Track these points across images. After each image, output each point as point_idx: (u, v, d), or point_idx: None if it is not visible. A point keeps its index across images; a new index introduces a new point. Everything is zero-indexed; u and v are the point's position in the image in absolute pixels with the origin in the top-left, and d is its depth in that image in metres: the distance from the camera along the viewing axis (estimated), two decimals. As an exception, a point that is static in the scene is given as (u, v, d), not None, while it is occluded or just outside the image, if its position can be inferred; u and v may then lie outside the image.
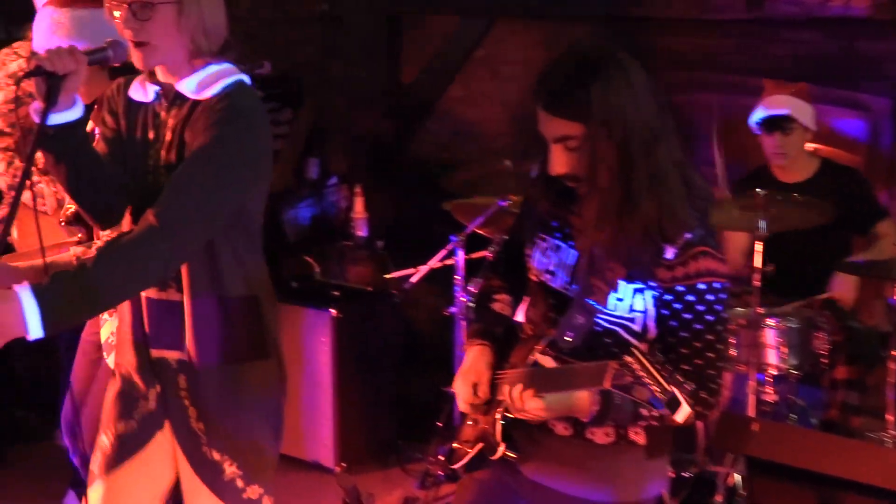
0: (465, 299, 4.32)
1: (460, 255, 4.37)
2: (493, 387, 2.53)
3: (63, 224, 3.16)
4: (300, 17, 6.59)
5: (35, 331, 2.11)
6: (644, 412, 2.27)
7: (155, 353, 2.54)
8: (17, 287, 2.12)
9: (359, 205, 5.70)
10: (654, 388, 2.08)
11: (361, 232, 5.67)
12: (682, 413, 2.08)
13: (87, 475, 2.66)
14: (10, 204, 2.21)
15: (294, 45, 6.58)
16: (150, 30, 2.35)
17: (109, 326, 3.16)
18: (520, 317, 2.64)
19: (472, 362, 2.57)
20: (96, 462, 2.62)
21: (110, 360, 3.11)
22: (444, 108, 6.16)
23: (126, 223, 2.55)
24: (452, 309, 4.42)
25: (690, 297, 2.29)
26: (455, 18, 5.99)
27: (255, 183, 2.46)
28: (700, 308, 2.29)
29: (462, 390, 2.55)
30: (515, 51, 5.86)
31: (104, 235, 2.99)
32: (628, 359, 2.11)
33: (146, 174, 2.48)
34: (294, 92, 6.45)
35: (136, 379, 2.58)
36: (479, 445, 2.54)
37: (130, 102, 2.53)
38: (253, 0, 6.72)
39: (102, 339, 3.23)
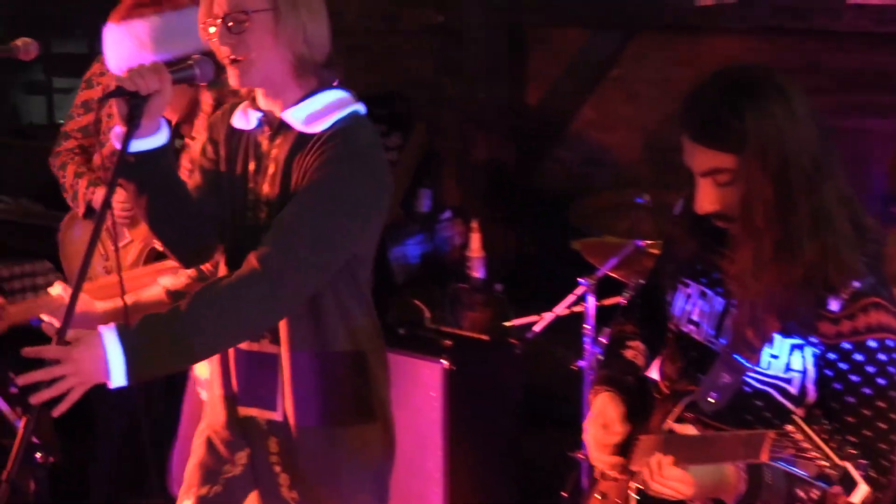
0: (595, 351, 4.30)
1: (590, 302, 4.35)
2: (626, 449, 2.52)
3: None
4: (412, 30, 6.70)
5: (118, 379, 2.17)
6: (801, 493, 2.20)
7: (243, 411, 2.59)
8: (102, 329, 2.17)
9: (475, 242, 5.73)
10: (822, 462, 2.02)
11: (478, 273, 5.68)
12: (860, 493, 2.00)
13: None
14: (91, 237, 2.23)
15: (405, 61, 6.68)
16: (248, 42, 2.40)
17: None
18: (654, 373, 2.62)
19: (600, 410, 2.55)
20: None
21: (204, 395, 3.18)
22: (574, 133, 6.17)
23: (219, 264, 2.61)
24: (581, 362, 4.40)
25: (859, 357, 2.25)
26: (587, 32, 6.01)
27: (371, 226, 2.51)
28: (870, 369, 2.24)
29: (593, 434, 2.53)
30: (655, 69, 5.85)
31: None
32: (789, 427, 2.07)
33: (244, 210, 2.53)
34: (404, 113, 6.54)
35: (222, 440, 2.63)
36: (609, 521, 2.52)
37: (232, 130, 2.60)
38: (360, 10, 6.86)
39: (196, 373, 3.32)
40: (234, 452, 2.61)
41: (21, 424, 3.48)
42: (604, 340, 4.18)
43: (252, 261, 2.32)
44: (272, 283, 2.30)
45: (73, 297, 2.13)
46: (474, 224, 5.75)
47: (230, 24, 2.40)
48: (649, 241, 4.16)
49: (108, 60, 3.28)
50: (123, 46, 3.20)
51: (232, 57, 2.43)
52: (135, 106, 2.33)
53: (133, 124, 2.32)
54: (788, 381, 2.32)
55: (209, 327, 2.27)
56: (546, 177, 6.23)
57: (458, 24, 6.34)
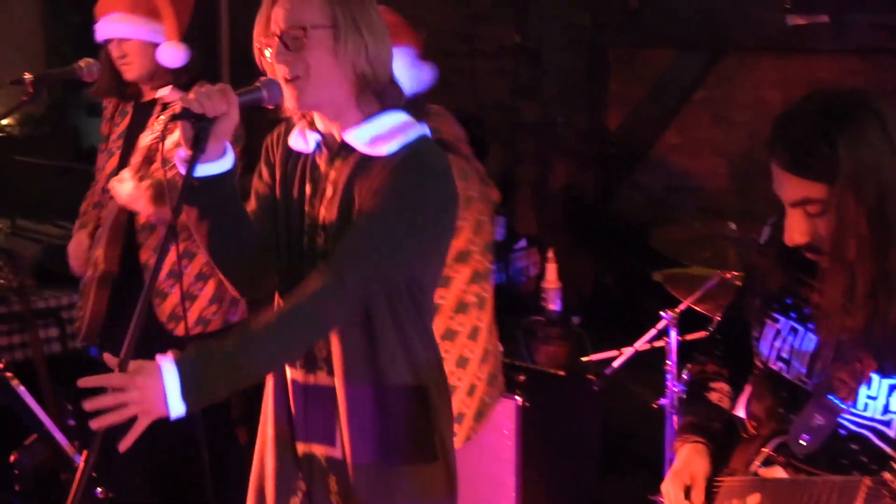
0: (677, 389, 4.26)
1: (673, 336, 4.31)
2: (710, 495, 2.49)
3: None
4: (488, 50, 6.73)
5: (176, 407, 2.18)
6: None
7: (302, 447, 2.57)
8: (160, 358, 2.20)
9: (551, 272, 5.71)
10: (921, 513, 1.99)
11: (554, 305, 5.67)
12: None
13: None
14: (151, 273, 2.25)
15: (480, 83, 6.71)
16: (306, 60, 2.40)
17: None
18: (740, 411, 2.59)
19: (685, 462, 2.53)
20: None
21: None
22: (657, 159, 6.14)
23: (275, 291, 2.62)
24: (663, 401, 4.36)
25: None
26: (671, 53, 6.00)
27: (437, 253, 2.51)
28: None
29: (673, 495, 2.51)
30: (744, 92, 5.81)
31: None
32: (887, 475, 2.03)
33: (301, 235, 2.54)
34: (478, 137, 6.55)
35: (279, 477, 2.62)
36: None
37: (289, 153, 2.60)
38: (433, 28, 6.90)
39: None
40: (291, 490, 2.60)
41: (81, 459, 3.55)
42: (687, 378, 4.14)
43: (320, 275, 2.34)
44: (338, 291, 2.32)
45: (134, 327, 2.15)
46: (550, 254, 5.73)
47: (288, 40, 2.40)
48: (735, 273, 4.12)
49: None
50: None
51: (290, 76, 2.43)
52: (201, 129, 2.34)
53: (199, 148, 2.34)
54: (887, 423, 2.28)
55: (265, 336, 2.29)
56: (626, 204, 6.21)
57: (536, 44, 6.36)
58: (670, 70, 6.01)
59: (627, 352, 4.36)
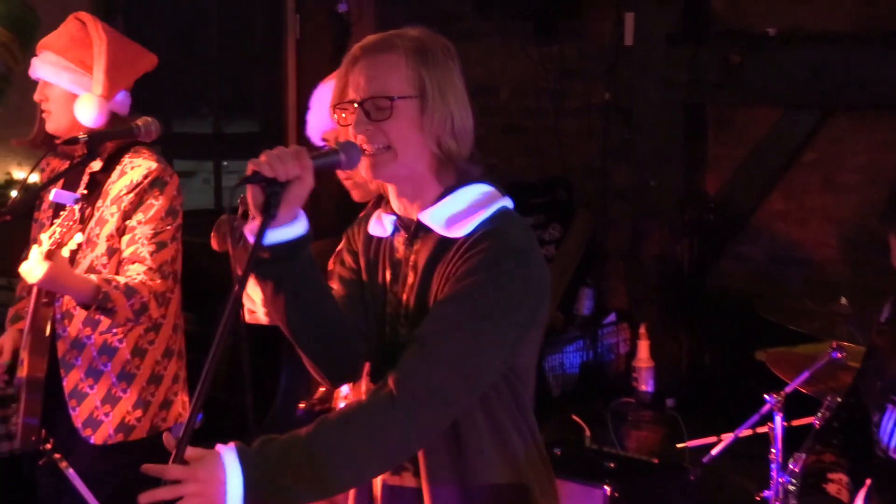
0: (783, 480, 4.20)
1: (778, 422, 4.25)
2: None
3: None
4: (575, 108, 6.75)
5: None
6: None
7: None
8: (221, 449, 2.19)
9: (643, 350, 5.69)
10: None
11: (646, 386, 5.64)
12: None
13: None
14: (213, 349, 2.18)
15: (567, 143, 6.73)
16: (388, 132, 2.39)
17: None
18: (858, 504, 2.55)
19: None
20: None
21: None
22: (760, 227, 6.10)
23: (364, 383, 2.61)
24: (766, 493, 4.29)
25: None
26: (777, 112, 5.98)
27: (527, 338, 2.46)
28: None
29: None
30: (856, 154, 5.77)
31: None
32: None
33: (383, 324, 2.53)
34: (565, 202, 6.57)
35: None
36: None
37: (370, 239, 2.61)
38: (517, 85, 6.96)
39: None
40: None
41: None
42: (793, 468, 4.08)
43: (388, 384, 2.30)
44: (407, 411, 2.27)
45: (193, 412, 2.14)
46: (642, 329, 5.71)
47: (370, 109, 2.40)
48: (847, 349, 4.07)
49: (311, 121, 3.30)
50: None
51: (371, 149, 2.42)
52: (272, 194, 2.31)
53: (269, 215, 2.30)
54: None
55: (340, 454, 2.25)
56: (726, 276, 6.16)
57: (628, 102, 6.37)
58: (775, 130, 5.98)
59: (727, 438, 4.31)
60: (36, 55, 3.82)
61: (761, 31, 5.94)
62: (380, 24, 7.59)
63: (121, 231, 3.67)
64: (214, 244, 2.99)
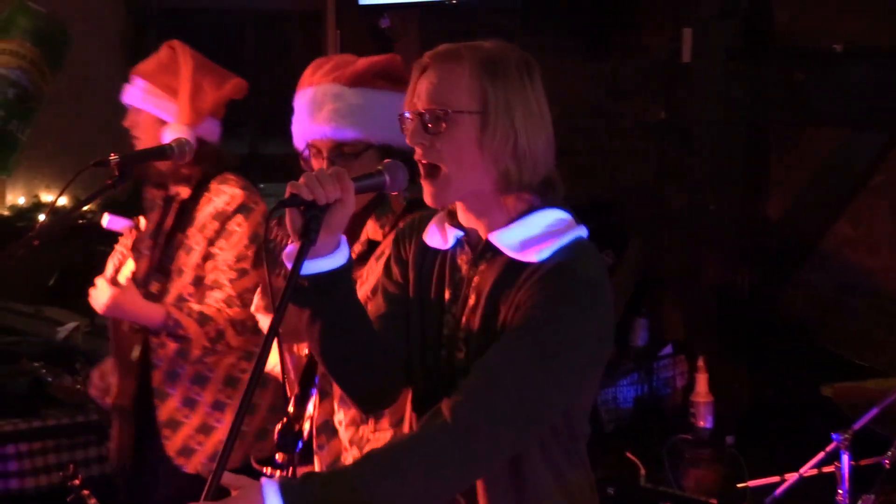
0: (851, 524, 4.17)
1: (845, 461, 4.22)
2: None
3: None
4: (628, 128, 6.75)
5: None
6: None
7: None
8: (264, 482, 2.19)
9: (702, 384, 5.66)
10: None
11: (704, 422, 5.61)
12: None
13: None
14: (248, 385, 2.18)
15: (619, 165, 6.73)
16: (443, 149, 2.39)
17: None
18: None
19: None
20: None
21: None
22: (825, 254, 6.07)
23: (404, 409, 2.61)
24: (833, 536, 4.27)
25: None
26: (843, 132, 5.95)
27: (591, 379, 2.47)
28: None
29: None
30: (929, 176, 5.74)
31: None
32: None
33: (438, 347, 2.51)
34: (618, 227, 6.56)
35: None
36: None
37: (425, 249, 2.59)
38: (567, 105, 6.95)
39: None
40: None
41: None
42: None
43: (443, 411, 2.28)
44: (465, 442, 2.26)
45: (229, 444, 2.15)
46: (700, 362, 5.69)
47: (428, 120, 2.40)
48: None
49: (295, 126, 3.27)
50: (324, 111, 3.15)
51: (425, 161, 2.42)
52: (312, 218, 2.31)
53: (308, 240, 2.29)
54: None
55: (388, 491, 2.23)
56: (790, 306, 6.13)
57: (685, 121, 6.36)
58: (841, 151, 5.95)
59: (791, 478, 4.28)
60: (129, 81, 3.91)
61: (826, 48, 5.92)
62: (423, 41, 7.63)
63: (206, 259, 3.75)
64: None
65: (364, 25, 7.71)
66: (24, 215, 7.11)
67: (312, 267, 2.37)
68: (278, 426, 3.12)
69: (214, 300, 3.69)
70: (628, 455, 5.30)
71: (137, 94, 3.85)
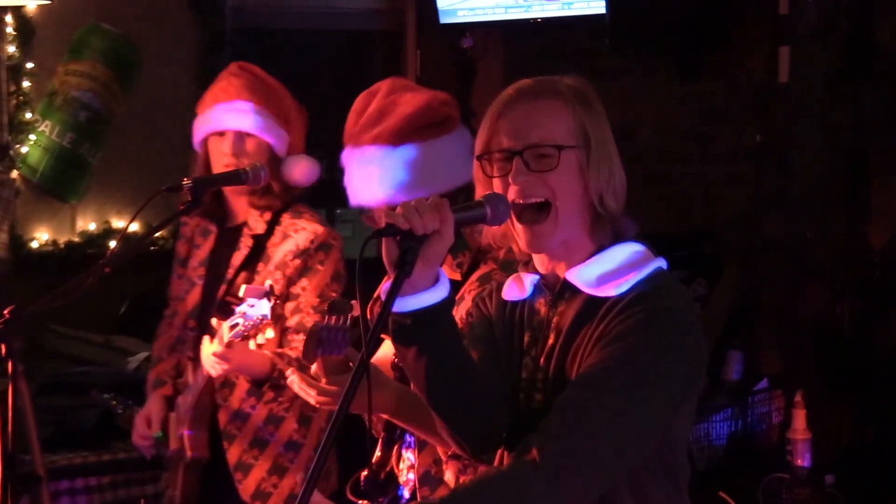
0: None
1: (953, 503, 4.19)
2: None
3: None
4: (723, 153, 6.73)
5: None
6: None
7: None
8: None
9: (799, 421, 5.61)
10: None
11: (802, 460, 5.55)
12: None
13: None
14: (327, 436, 2.18)
15: (713, 191, 6.70)
16: (552, 184, 2.40)
17: None
18: None
19: None
20: None
21: None
22: (934, 285, 6.01)
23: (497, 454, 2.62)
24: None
25: None
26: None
27: (682, 409, 2.46)
28: None
29: None
30: None
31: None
32: None
33: (517, 390, 2.54)
34: (711, 256, 6.53)
35: None
36: None
37: (504, 305, 2.63)
38: (656, 128, 6.95)
39: None
40: None
41: None
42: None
43: (531, 451, 2.31)
44: (552, 481, 2.28)
45: (310, 485, 2.18)
46: (798, 397, 5.64)
47: (531, 158, 2.41)
48: None
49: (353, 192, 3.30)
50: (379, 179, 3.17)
51: (527, 201, 2.43)
52: (408, 249, 2.31)
53: (404, 272, 2.30)
54: None
55: None
56: (893, 339, 6.07)
57: (783, 145, 6.33)
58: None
59: (895, 520, 4.25)
60: (201, 109, 3.91)
61: (931, 67, 5.88)
62: (508, 61, 7.66)
63: (284, 297, 3.76)
64: (301, 355, 3.06)
65: (446, 45, 7.75)
66: (94, 242, 7.18)
67: (414, 303, 2.38)
68: (364, 472, 3.15)
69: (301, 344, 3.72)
70: (722, 495, 5.28)
71: (250, 118, 3.84)
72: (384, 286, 2.38)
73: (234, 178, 3.73)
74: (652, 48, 6.71)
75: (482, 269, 3.09)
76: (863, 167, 6.22)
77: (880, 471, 5.38)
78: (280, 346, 3.78)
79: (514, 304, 2.59)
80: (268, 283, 3.49)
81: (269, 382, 3.69)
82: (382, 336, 2.68)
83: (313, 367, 2.93)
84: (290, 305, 3.78)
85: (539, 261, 2.53)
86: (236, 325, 3.47)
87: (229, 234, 3.92)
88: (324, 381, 2.81)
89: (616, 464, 2.35)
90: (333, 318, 2.91)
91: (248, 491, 3.82)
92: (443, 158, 3.09)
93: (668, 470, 2.47)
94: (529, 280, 2.54)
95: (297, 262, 3.78)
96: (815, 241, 6.16)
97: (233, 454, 3.85)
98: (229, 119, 3.84)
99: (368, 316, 2.88)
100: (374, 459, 3.17)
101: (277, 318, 3.77)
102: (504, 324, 2.60)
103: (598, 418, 2.32)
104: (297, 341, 3.72)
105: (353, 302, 3.52)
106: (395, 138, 3.10)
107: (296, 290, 3.78)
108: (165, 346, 4.14)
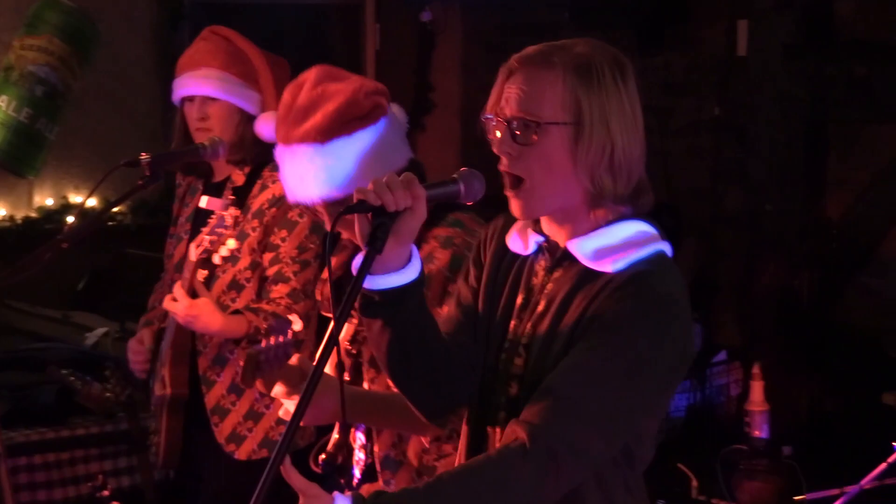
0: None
1: (909, 473, 4.24)
2: None
3: None
4: (682, 126, 6.76)
5: None
6: None
7: None
8: (337, 495, 2.24)
9: (757, 392, 5.66)
10: None
11: (760, 432, 5.61)
12: None
13: None
14: (305, 391, 2.21)
15: (673, 164, 6.73)
16: (530, 160, 2.37)
17: None
18: None
19: None
20: None
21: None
22: (888, 257, 6.06)
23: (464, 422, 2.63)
24: (896, 554, 4.28)
25: None
26: (909, 128, 5.95)
27: (665, 400, 2.49)
28: None
29: None
30: None
31: None
32: None
33: (498, 352, 2.53)
34: (670, 229, 6.55)
35: None
36: None
37: (504, 252, 2.59)
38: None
39: None
40: None
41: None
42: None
43: (518, 431, 2.31)
44: (541, 469, 2.28)
45: (279, 452, 2.19)
46: (756, 369, 5.69)
47: (517, 129, 2.38)
48: None
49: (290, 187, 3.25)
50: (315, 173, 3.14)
51: (510, 171, 2.41)
52: (379, 226, 2.30)
53: (375, 248, 2.29)
54: None
55: None
56: (851, 311, 6.13)
57: (742, 118, 6.37)
58: (906, 150, 5.96)
59: (851, 490, 4.29)
60: (176, 75, 3.98)
61: (891, 42, 5.92)
62: (467, 35, 7.67)
63: (262, 245, 3.85)
64: (240, 380, 3.13)
65: (405, 19, 7.75)
66: (52, 217, 7.15)
67: (383, 282, 2.38)
68: (322, 456, 3.18)
69: (280, 294, 3.79)
70: (680, 466, 5.33)
71: (216, 84, 3.92)
72: (356, 262, 2.37)
73: (192, 153, 3.82)
74: (611, 21, 6.72)
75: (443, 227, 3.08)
76: (821, 140, 6.27)
77: (837, 442, 5.44)
78: (260, 294, 3.84)
79: (515, 256, 2.56)
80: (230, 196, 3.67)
81: (246, 340, 3.74)
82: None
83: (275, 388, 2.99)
84: (268, 256, 3.83)
85: (545, 224, 2.50)
86: (201, 241, 3.64)
87: (214, 189, 3.99)
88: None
89: (603, 454, 2.36)
90: (272, 338, 2.96)
91: (224, 434, 3.89)
92: (374, 149, 3.10)
93: (629, 458, 2.47)
94: (533, 239, 2.51)
95: (274, 210, 3.83)
96: (773, 214, 6.21)
97: (211, 399, 3.91)
98: (195, 85, 3.93)
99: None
100: (331, 442, 3.20)
101: (256, 265, 3.86)
102: (498, 274, 2.58)
103: (590, 410, 2.31)
104: (276, 291, 3.79)
105: (291, 316, 3.69)
106: (322, 135, 3.09)
107: (275, 240, 3.83)
108: (157, 300, 4.22)
